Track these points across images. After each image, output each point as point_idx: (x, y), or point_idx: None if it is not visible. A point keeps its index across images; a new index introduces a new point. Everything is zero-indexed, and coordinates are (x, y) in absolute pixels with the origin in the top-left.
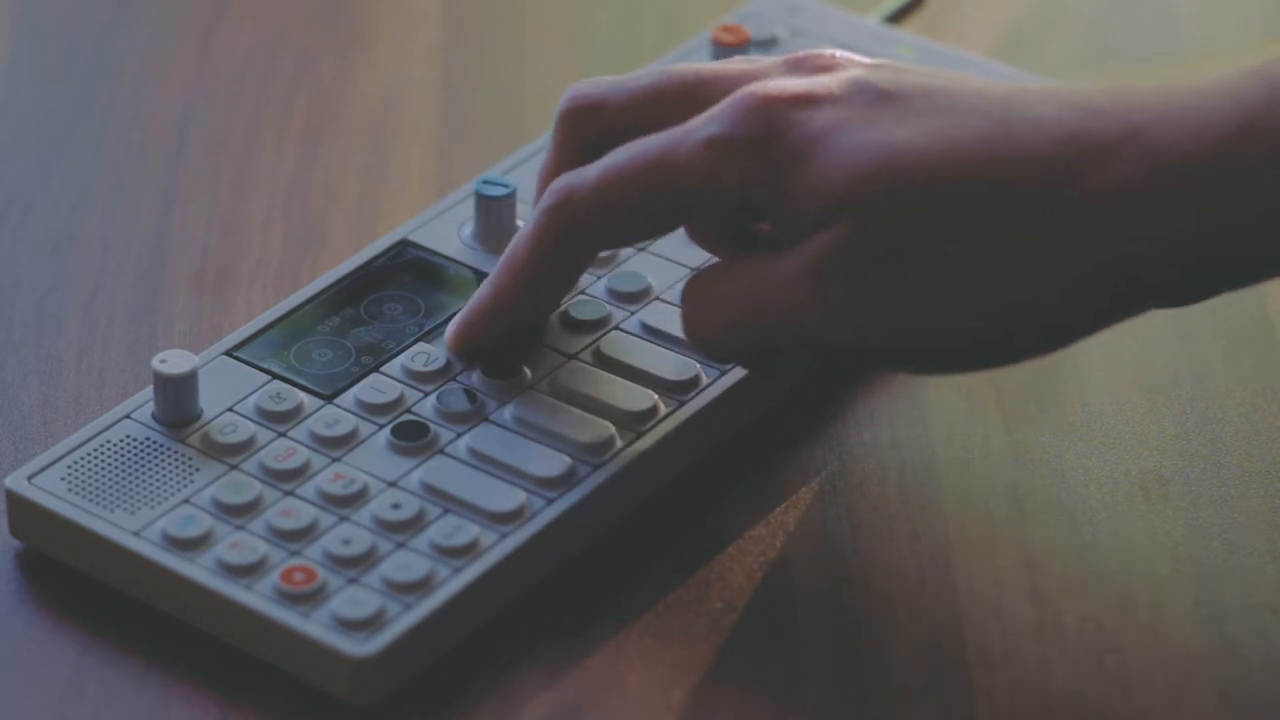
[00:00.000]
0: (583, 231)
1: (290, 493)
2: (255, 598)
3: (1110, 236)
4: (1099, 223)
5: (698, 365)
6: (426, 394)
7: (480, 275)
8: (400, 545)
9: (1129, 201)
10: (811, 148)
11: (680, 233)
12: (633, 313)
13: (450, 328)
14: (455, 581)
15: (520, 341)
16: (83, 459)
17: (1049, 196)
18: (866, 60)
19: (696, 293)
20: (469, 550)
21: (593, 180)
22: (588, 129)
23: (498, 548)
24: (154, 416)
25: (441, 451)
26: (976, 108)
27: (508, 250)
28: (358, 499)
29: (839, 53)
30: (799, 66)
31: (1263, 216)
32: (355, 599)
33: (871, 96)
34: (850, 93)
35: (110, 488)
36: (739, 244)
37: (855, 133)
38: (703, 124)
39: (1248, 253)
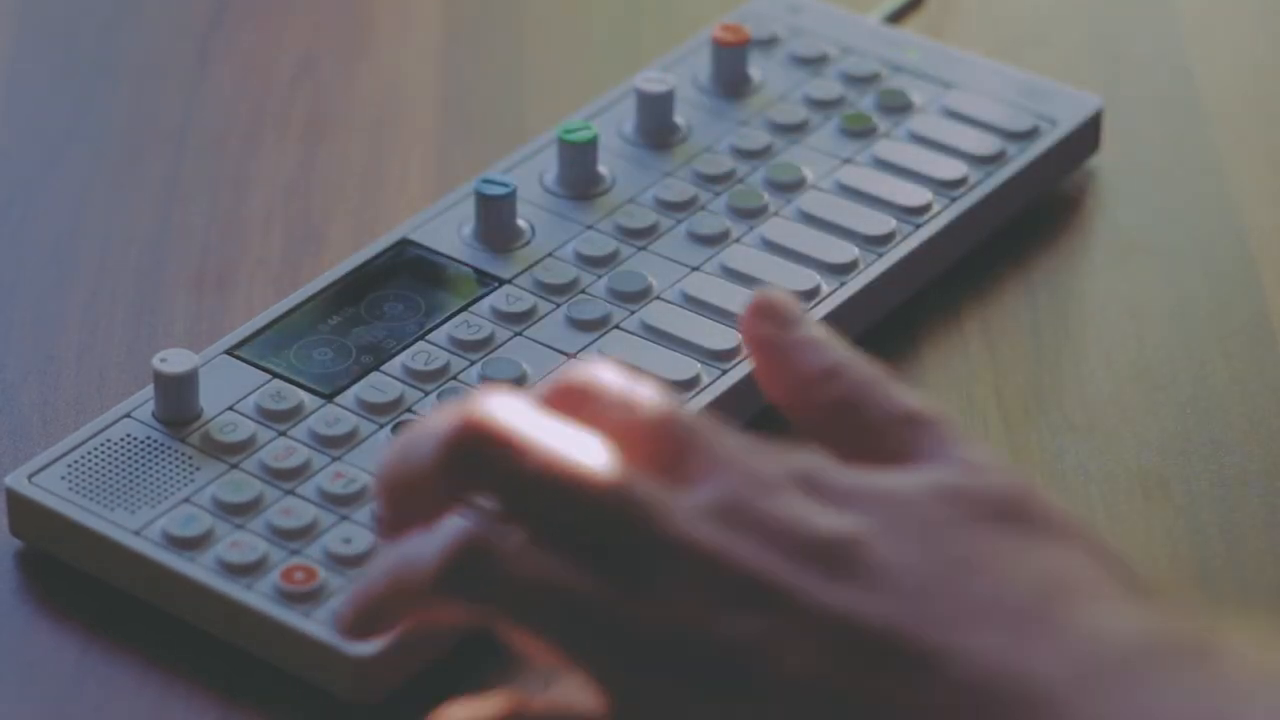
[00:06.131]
0: None
1: (290, 492)
2: (255, 597)
3: None
4: None
5: (698, 365)
6: (427, 393)
7: (480, 274)
8: None
9: None
10: None
11: (682, 232)
12: (633, 312)
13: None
14: None
15: None
16: (83, 458)
17: None
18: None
19: None
20: None
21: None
22: None
23: None
24: (154, 415)
25: None
26: None
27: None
28: (358, 498)
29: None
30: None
31: None
32: None
33: None
34: None
35: (110, 487)
36: None
37: None
38: None
39: None
